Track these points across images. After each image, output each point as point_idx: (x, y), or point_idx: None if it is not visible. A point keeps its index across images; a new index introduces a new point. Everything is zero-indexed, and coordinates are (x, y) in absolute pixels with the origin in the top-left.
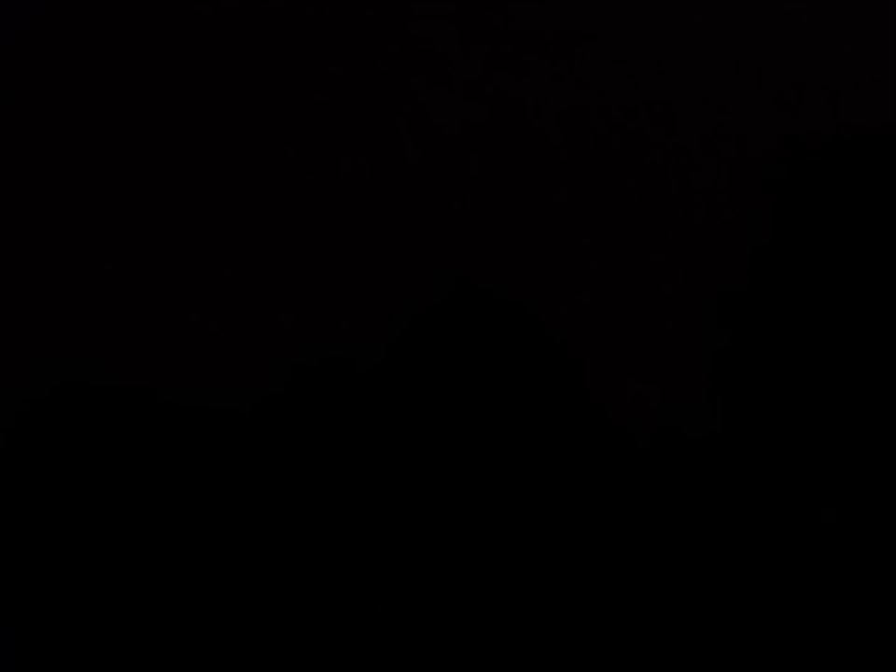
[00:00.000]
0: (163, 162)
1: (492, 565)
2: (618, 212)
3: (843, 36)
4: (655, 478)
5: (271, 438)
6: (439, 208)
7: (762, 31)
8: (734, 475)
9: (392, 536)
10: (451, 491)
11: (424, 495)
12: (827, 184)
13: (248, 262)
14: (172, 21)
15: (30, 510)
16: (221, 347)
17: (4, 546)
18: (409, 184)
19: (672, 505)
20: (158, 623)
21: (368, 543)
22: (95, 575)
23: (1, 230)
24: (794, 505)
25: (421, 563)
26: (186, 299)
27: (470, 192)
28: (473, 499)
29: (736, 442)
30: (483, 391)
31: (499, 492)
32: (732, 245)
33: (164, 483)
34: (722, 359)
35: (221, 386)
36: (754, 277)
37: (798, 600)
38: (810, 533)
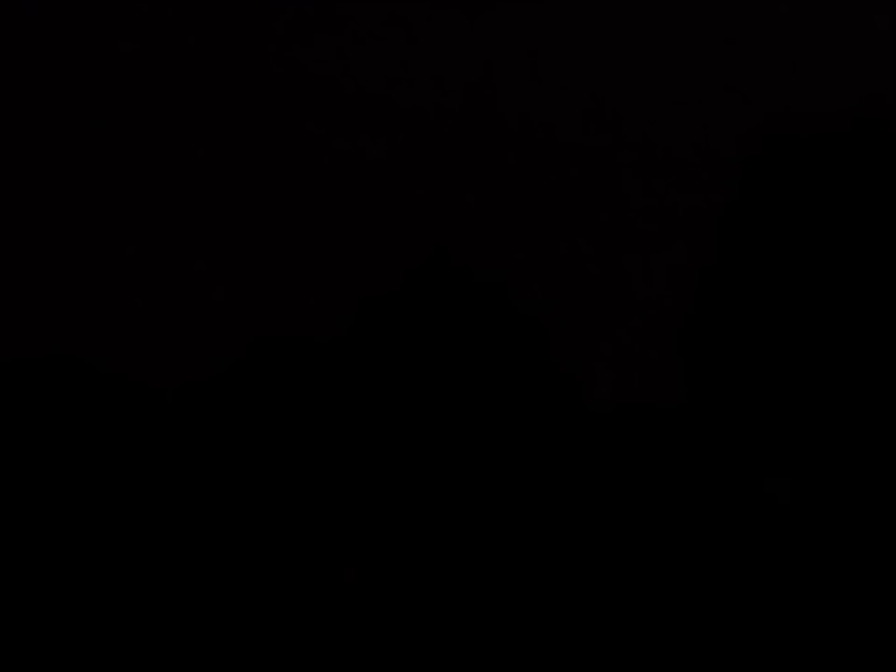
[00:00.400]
0: (132, 155)
1: (466, 539)
2: (596, 193)
3: (821, 28)
4: (623, 452)
5: (239, 414)
6: (417, 187)
7: (739, 24)
8: (699, 451)
9: (362, 512)
10: (424, 468)
11: (396, 471)
12: (801, 171)
13: (221, 243)
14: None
15: None
16: (189, 327)
17: None
18: (388, 165)
19: (640, 477)
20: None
21: (336, 521)
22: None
23: None
24: (751, 477)
25: (392, 537)
26: (157, 283)
27: (450, 174)
28: (445, 475)
29: (703, 419)
30: (455, 371)
31: (471, 466)
32: (704, 229)
33: (132, 460)
34: (694, 339)
35: (187, 365)
36: (726, 262)
37: (761, 568)
38: (766, 504)
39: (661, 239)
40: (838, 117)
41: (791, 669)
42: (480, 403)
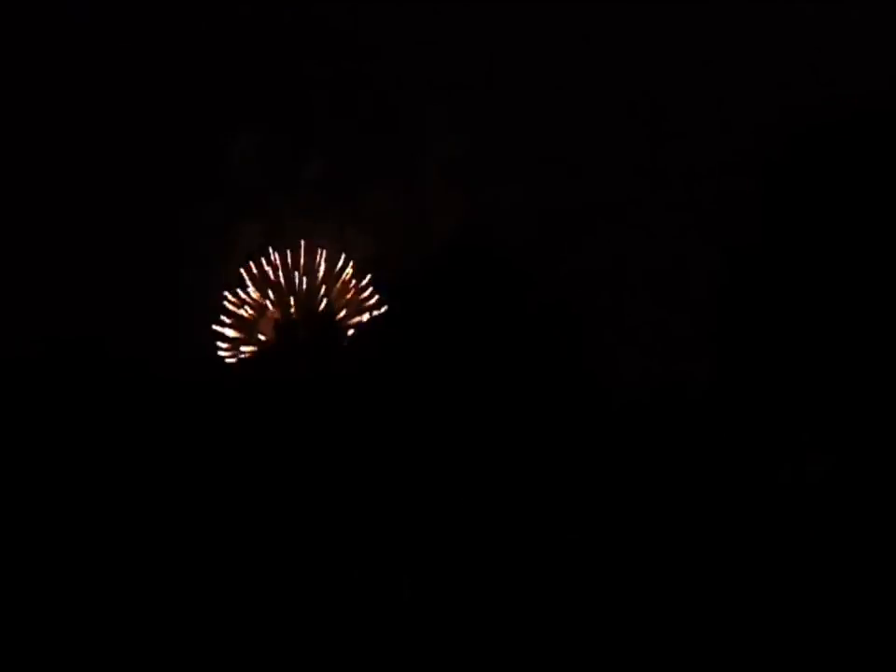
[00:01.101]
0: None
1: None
2: (631, 177)
3: (841, 20)
4: (658, 432)
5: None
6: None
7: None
8: (737, 428)
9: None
10: (446, 449)
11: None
12: (831, 158)
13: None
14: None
15: None
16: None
17: None
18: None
19: (669, 457)
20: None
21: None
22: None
23: None
24: (785, 455)
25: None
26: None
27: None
28: (469, 455)
29: (739, 397)
30: (478, 350)
31: (503, 446)
32: (737, 210)
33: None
34: (730, 317)
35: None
36: (761, 240)
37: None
38: (799, 482)
39: (694, 220)
40: (864, 104)
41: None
42: (511, 383)
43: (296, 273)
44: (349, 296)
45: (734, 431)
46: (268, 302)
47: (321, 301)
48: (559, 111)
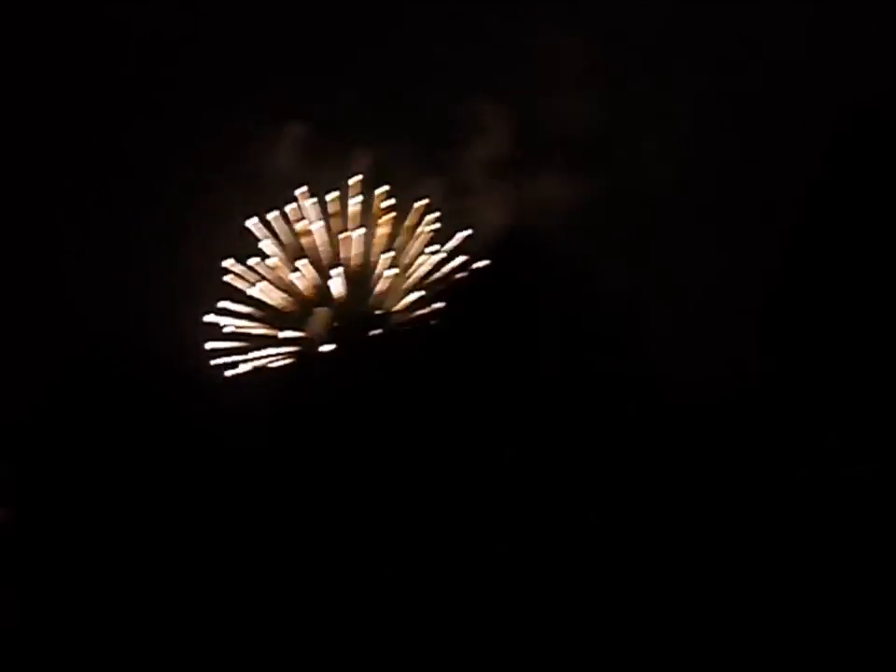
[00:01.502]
0: None
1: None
2: (677, 172)
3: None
4: (709, 431)
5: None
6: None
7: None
8: (786, 430)
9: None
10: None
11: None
12: (875, 156)
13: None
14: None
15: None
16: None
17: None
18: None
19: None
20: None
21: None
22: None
23: None
24: (839, 461)
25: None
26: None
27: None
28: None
29: (789, 399)
30: (537, 341)
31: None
32: (790, 205)
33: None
34: (780, 318)
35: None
36: (813, 240)
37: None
38: (853, 487)
39: (745, 219)
40: None
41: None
42: (568, 376)
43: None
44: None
45: (779, 428)
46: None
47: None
48: (610, 105)
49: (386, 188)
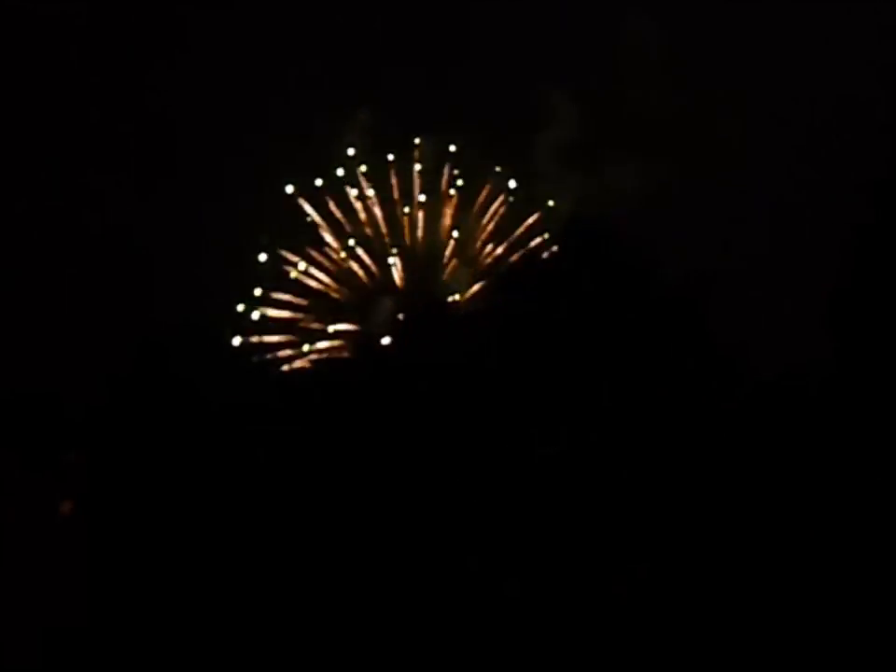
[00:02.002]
0: None
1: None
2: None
3: None
4: (779, 419)
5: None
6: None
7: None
8: (850, 417)
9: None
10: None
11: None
12: None
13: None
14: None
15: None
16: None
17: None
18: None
19: (787, 438)
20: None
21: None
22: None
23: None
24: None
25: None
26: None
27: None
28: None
29: (855, 389)
30: (601, 333)
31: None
32: (860, 202)
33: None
34: (847, 311)
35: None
36: (881, 236)
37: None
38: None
39: (814, 215)
40: None
41: None
42: (638, 370)
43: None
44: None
45: (847, 424)
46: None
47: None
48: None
49: (454, 171)
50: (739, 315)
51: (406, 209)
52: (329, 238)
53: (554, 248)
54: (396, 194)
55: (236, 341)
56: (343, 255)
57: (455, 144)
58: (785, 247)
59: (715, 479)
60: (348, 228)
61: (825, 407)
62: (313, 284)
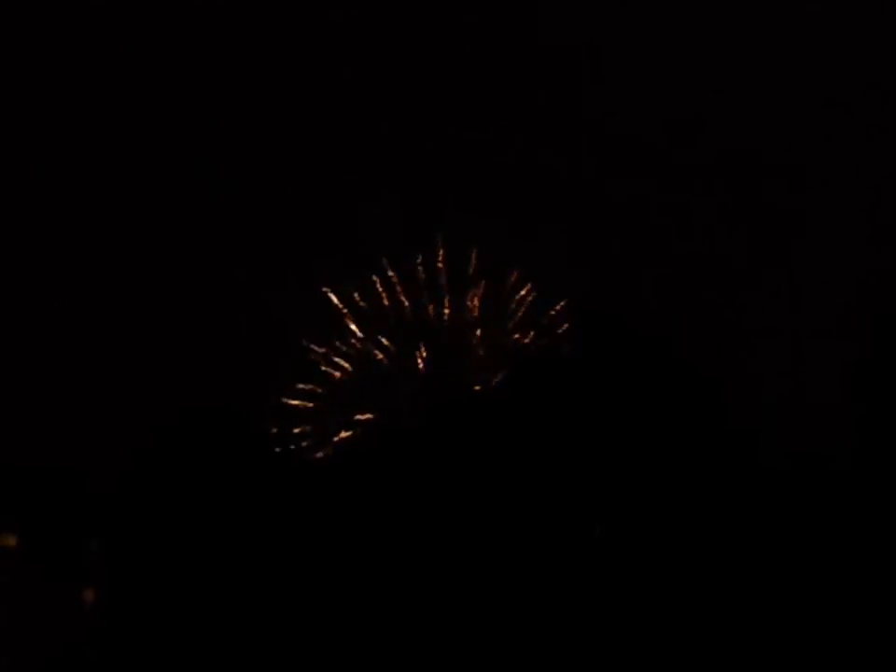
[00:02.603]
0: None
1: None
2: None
3: None
4: (799, 502)
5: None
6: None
7: None
8: (871, 504)
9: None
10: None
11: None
12: None
13: None
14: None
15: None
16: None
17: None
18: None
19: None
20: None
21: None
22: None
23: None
24: None
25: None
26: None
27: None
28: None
29: (878, 466)
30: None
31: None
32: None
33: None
34: (869, 386)
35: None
36: None
37: None
38: None
39: (835, 282)
40: None
41: None
42: (657, 455)
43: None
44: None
45: (868, 509)
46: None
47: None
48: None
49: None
50: (759, 399)
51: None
52: (353, 327)
53: (575, 336)
54: (421, 278)
55: (260, 428)
56: (365, 344)
57: (482, 230)
58: (806, 327)
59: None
60: (372, 315)
61: (845, 492)
62: (336, 373)
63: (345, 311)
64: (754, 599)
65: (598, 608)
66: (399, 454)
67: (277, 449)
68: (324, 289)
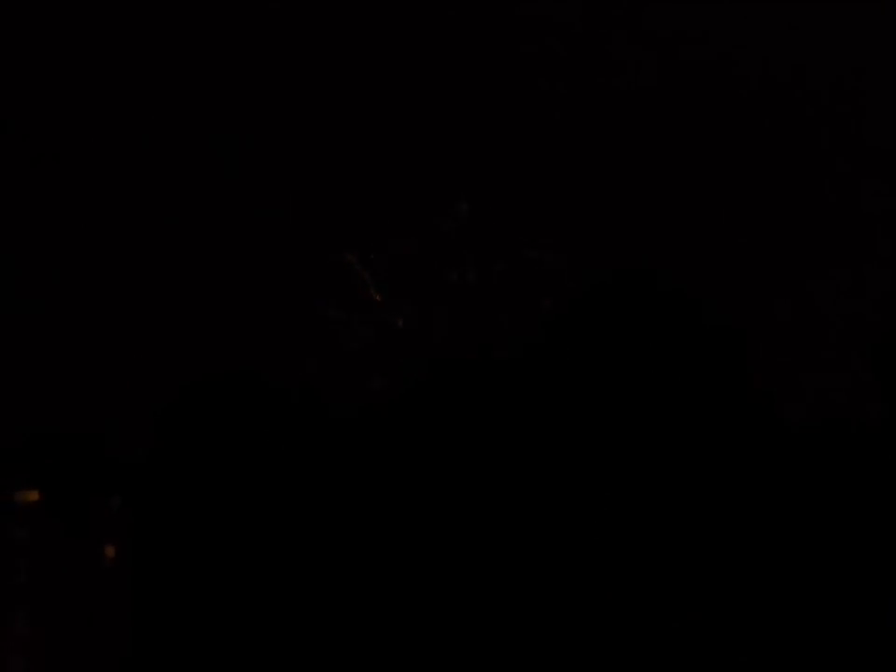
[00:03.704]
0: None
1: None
2: (799, 207)
3: None
4: (821, 466)
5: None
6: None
7: None
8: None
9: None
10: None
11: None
12: None
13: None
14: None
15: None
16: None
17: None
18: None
19: (837, 491)
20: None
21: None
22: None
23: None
24: None
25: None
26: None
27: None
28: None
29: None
30: (650, 377)
31: (662, 474)
32: None
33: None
34: (892, 355)
35: (352, 383)
36: None
37: None
38: None
39: (863, 254)
40: None
41: None
42: (675, 411)
43: None
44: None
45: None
46: None
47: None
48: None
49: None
50: (781, 361)
51: None
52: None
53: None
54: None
55: (279, 393)
56: (385, 310)
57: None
58: (829, 294)
59: (753, 525)
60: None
61: (868, 455)
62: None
63: (365, 276)
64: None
65: (598, 604)
66: (410, 423)
67: (295, 413)
68: (345, 255)
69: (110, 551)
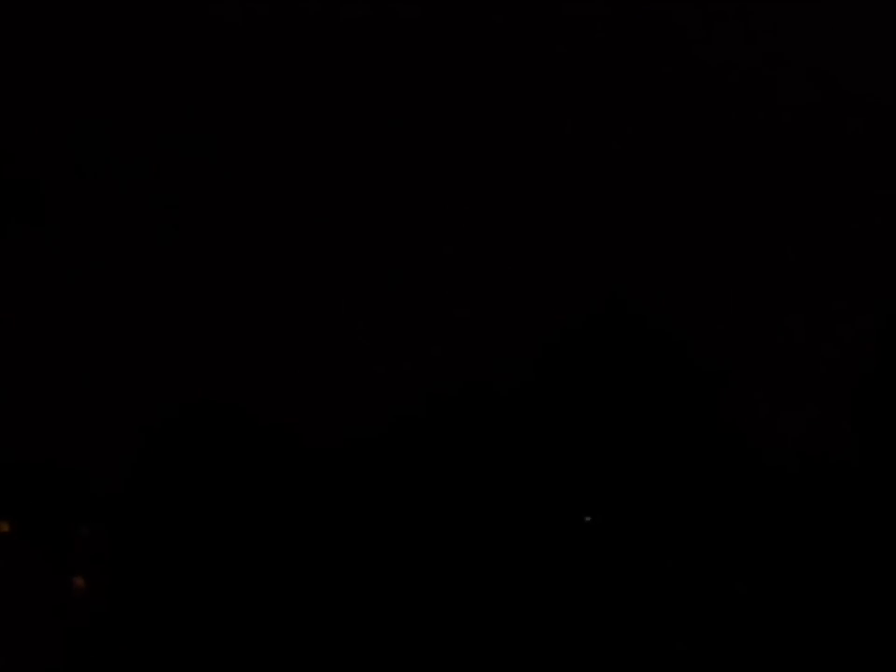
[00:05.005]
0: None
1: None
2: (778, 251)
3: None
4: (799, 503)
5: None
6: (593, 228)
7: None
8: (873, 503)
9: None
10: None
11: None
12: None
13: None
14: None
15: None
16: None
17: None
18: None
19: (806, 526)
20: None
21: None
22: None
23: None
24: None
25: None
26: (323, 324)
27: (626, 214)
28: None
29: (878, 473)
30: (628, 413)
31: (642, 510)
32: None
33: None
34: (870, 396)
35: (356, 416)
36: None
37: None
38: None
39: (840, 296)
40: None
41: None
42: (654, 449)
43: None
44: None
45: (875, 504)
46: None
47: None
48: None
49: None
50: (759, 404)
51: None
52: None
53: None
54: None
55: (264, 421)
56: None
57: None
58: (808, 338)
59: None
60: None
61: (845, 497)
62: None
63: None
64: (756, 595)
65: (598, 602)
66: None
67: (281, 441)
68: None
69: (80, 581)
